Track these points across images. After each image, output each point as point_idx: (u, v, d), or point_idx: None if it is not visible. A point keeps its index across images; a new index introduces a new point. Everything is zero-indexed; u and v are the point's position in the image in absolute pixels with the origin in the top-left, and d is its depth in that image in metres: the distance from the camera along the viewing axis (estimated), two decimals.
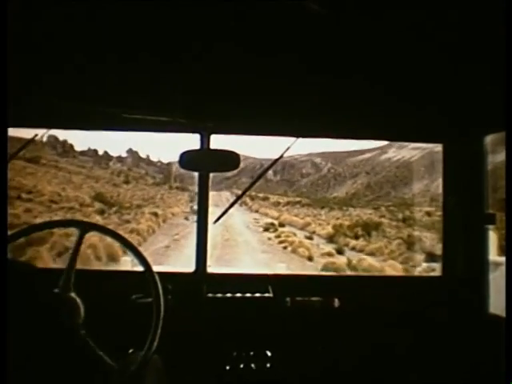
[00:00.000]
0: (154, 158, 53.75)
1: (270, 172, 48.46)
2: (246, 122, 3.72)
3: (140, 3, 2.30)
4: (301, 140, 3.71)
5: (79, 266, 2.74)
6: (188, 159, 3.41)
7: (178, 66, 3.14)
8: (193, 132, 3.60)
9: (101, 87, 3.34)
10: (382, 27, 2.54)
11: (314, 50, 2.86)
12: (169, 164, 54.17)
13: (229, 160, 3.45)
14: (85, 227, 3.08)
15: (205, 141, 3.58)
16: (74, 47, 2.82)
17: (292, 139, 3.66)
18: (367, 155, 54.97)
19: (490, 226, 3.59)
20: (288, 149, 3.63)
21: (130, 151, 51.98)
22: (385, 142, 50.06)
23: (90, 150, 47.13)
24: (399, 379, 3.52)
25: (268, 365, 3.46)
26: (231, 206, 3.99)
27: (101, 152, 48.07)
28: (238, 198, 4.18)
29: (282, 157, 3.76)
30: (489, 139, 3.55)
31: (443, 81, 3.24)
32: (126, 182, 45.50)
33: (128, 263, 4.43)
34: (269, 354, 3.48)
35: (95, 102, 3.34)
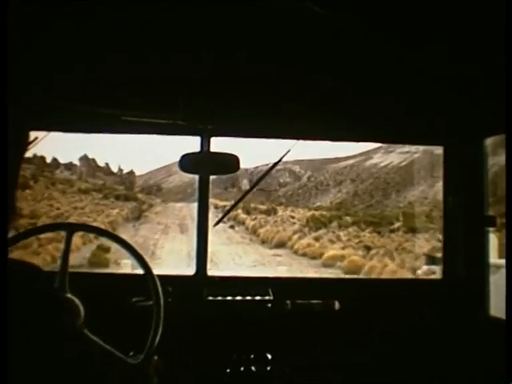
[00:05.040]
0: (114, 167, 50.63)
1: (245, 181, 46.43)
2: (247, 124, 3.94)
3: (140, 5, 2.51)
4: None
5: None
6: (188, 162, 3.65)
7: (179, 68, 3.34)
8: (193, 134, 3.81)
9: (100, 89, 3.53)
10: (382, 29, 2.76)
11: (314, 52, 3.08)
12: (130, 173, 52.04)
13: (229, 163, 3.70)
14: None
15: (205, 143, 3.77)
16: (73, 48, 3.01)
17: (291, 142, 3.89)
18: (350, 161, 53.84)
19: (491, 229, 3.81)
20: (288, 152, 3.86)
21: (83, 158, 49.20)
22: (368, 148, 49.32)
23: (36, 156, 44.02)
24: (400, 381, 3.73)
25: (268, 367, 3.64)
26: (231, 208, 4.26)
27: (49, 159, 45.23)
28: (238, 201, 4.39)
29: (280, 160, 4.02)
30: (490, 141, 3.78)
31: (444, 83, 3.45)
32: (24, 188, 37.73)
33: (128, 266, 4.61)
34: (269, 356, 3.66)
35: (95, 104, 3.51)
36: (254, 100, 3.75)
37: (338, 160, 54.13)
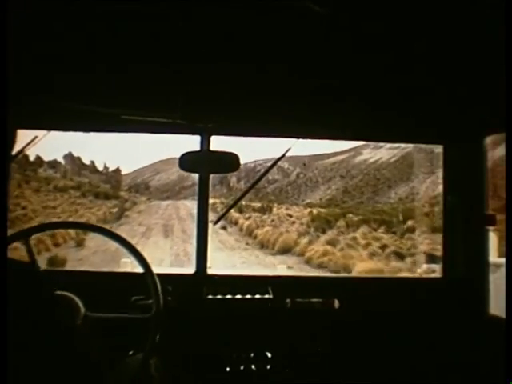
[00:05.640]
0: (100, 165, 49.46)
1: (234, 179, 45.84)
2: (246, 123, 3.98)
3: (140, 5, 2.50)
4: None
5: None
6: (188, 161, 3.68)
7: (178, 67, 3.35)
8: (193, 133, 3.84)
9: (100, 88, 3.54)
10: (382, 28, 2.76)
11: (314, 52, 3.09)
12: (116, 171, 51.25)
13: (229, 161, 3.73)
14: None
15: (205, 142, 3.81)
16: (74, 48, 3.03)
17: (291, 140, 3.94)
18: (339, 157, 53.82)
19: (490, 227, 3.85)
20: (289, 150, 3.91)
21: (68, 156, 48.12)
22: (357, 143, 49.21)
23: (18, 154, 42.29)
24: (400, 380, 3.74)
25: (268, 366, 3.69)
26: (231, 207, 4.28)
27: (33, 157, 43.89)
28: (238, 200, 4.39)
29: (283, 156, 4.05)
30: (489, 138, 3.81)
31: (443, 82, 3.48)
32: None
33: (128, 265, 4.62)
34: (269, 355, 3.71)
35: (94, 103, 3.54)
36: (254, 99, 3.78)
37: (327, 156, 53.92)
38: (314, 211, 36.02)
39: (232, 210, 5.03)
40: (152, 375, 3.16)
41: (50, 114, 3.65)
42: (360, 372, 3.80)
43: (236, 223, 32.98)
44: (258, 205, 37.21)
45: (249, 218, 34.20)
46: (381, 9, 2.53)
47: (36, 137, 3.66)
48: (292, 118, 3.84)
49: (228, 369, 3.68)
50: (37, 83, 3.43)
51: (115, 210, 35.64)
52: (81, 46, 3.02)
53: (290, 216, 35.67)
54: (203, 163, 3.79)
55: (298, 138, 3.93)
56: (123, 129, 3.90)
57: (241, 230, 32.22)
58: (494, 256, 4.59)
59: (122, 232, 26.35)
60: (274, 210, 37.41)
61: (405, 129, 4.05)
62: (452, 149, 4.05)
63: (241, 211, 34.32)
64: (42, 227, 3.30)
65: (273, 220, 34.67)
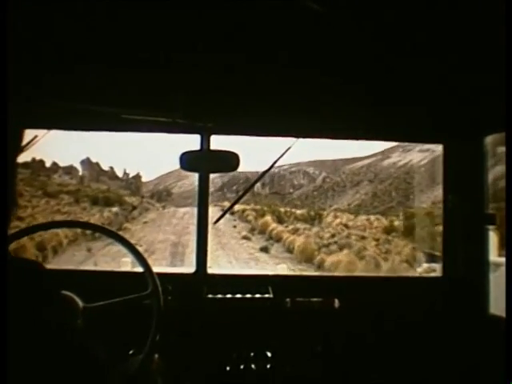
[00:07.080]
0: (119, 171, 48.57)
1: (258, 185, 44.92)
2: (247, 122, 4.04)
3: (139, 4, 2.58)
4: (291, 150, 4.03)
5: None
6: (188, 160, 3.75)
7: (178, 67, 3.42)
8: (193, 133, 3.91)
9: (100, 88, 3.61)
10: (382, 27, 2.82)
11: (314, 50, 3.15)
12: (136, 177, 50.77)
13: (229, 161, 3.79)
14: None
15: (205, 141, 3.89)
16: (73, 47, 3.11)
17: (292, 140, 3.97)
18: (366, 161, 53.23)
19: (491, 227, 3.92)
20: (288, 149, 3.95)
21: (86, 161, 46.91)
22: (385, 146, 48.71)
23: (34, 160, 42.24)
24: (399, 379, 3.84)
25: (268, 365, 3.75)
26: (232, 206, 4.37)
27: (49, 163, 42.64)
28: (239, 198, 4.49)
29: (280, 157, 4.02)
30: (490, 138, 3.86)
31: (443, 81, 3.54)
32: None
33: (128, 264, 4.70)
34: (269, 354, 3.77)
35: (95, 102, 3.60)
36: (254, 98, 3.85)
37: (354, 160, 53.69)
38: (373, 219, 29.53)
39: (270, 221, 5.04)
40: (152, 374, 3.22)
41: (49, 113, 3.74)
42: (360, 371, 3.88)
43: (279, 240, 26.00)
44: (300, 211, 31.45)
45: (296, 231, 27.52)
46: (381, 7, 2.59)
47: (36, 136, 3.70)
48: (293, 117, 3.90)
49: (228, 368, 3.74)
50: (37, 83, 3.47)
51: (116, 218, 31.13)
52: (81, 45, 3.11)
53: (347, 227, 29.20)
54: (203, 162, 3.85)
55: (299, 137, 3.98)
56: (123, 128, 3.97)
57: (289, 250, 24.48)
58: (494, 255, 4.63)
59: (106, 257, 22.93)
60: (324, 217, 30.13)
61: (405, 127, 4.11)
62: (452, 148, 4.11)
63: (280, 221, 28.61)
64: (48, 225, 3.40)
65: (333, 235, 27.42)
